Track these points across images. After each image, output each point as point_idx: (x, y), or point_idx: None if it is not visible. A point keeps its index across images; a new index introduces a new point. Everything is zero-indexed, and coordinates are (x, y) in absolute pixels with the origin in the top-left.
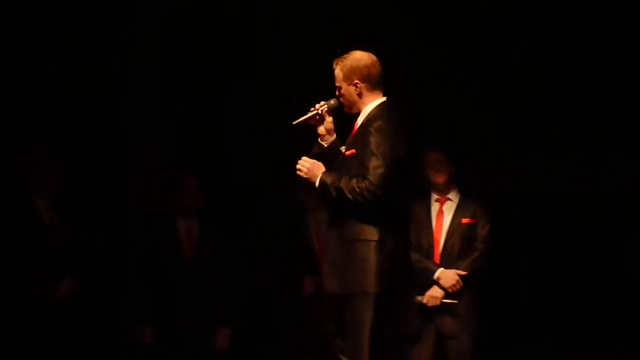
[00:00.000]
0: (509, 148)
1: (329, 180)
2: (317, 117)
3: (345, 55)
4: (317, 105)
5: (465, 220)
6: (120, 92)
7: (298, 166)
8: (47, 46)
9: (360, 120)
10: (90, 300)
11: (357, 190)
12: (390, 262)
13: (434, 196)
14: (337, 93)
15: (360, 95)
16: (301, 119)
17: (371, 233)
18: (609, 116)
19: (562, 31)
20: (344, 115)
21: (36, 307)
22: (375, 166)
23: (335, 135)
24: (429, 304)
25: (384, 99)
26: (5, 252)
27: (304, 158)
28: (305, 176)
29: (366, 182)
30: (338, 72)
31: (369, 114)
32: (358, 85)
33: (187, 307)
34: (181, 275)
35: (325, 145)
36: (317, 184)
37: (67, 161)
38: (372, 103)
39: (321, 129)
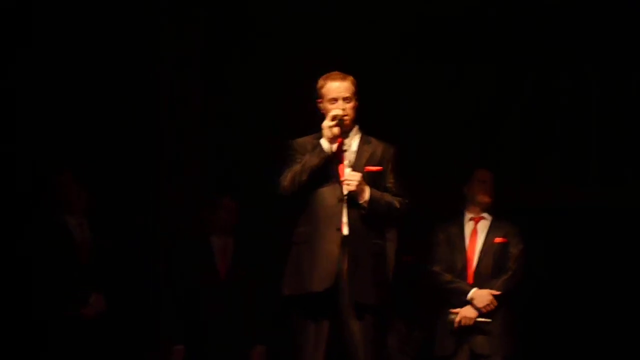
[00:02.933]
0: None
1: (378, 195)
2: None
3: (344, 74)
4: (337, 113)
5: (498, 240)
6: (154, 107)
7: (347, 180)
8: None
9: (351, 139)
10: (121, 318)
11: (404, 206)
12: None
13: (468, 215)
14: (340, 107)
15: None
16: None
17: (385, 247)
18: None
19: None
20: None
21: (65, 325)
22: (401, 181)
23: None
24: (463, 324)
25: None
26: (34, 269)
27: (352, 172)
28: (355, 189)
29: (403, 197)
30: (351, 84)
31: (361, 134)
32: (358, 102)
33: (220, 325)
34: (214, 293)
35: (333, 150)
36: (367, 196)
37: (100, 179)
38: (356, 126)
39: (332, 132)
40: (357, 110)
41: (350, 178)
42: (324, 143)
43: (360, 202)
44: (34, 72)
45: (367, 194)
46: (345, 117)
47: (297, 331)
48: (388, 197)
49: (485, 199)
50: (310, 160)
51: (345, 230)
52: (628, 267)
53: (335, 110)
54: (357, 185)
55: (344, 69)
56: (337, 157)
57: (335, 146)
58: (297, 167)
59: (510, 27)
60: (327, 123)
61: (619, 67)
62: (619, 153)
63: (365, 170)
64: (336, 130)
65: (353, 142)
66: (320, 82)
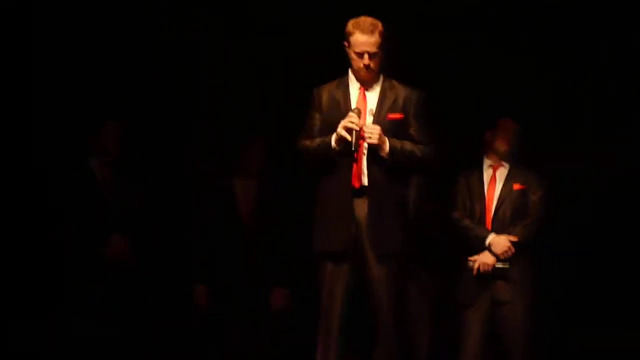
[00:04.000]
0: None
1: (398, 145)
2: (360, 133)
3: (374, 22)
4: (356, 120)
5: (517, 187)
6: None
7: (368, 133)
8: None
9: (374, 85)
10: (145, 260)
11: (428, 154)
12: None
13: (487, 162)
14: (364, 61)
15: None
16: (354, 142)
17: (409, 195)
18: None
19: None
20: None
21: (86, 265)
22: (429, 128)
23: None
24: (481, 270)
25: None
26: (55, 209)
27: (371, 125)
28: (377, 142)
29: (430, 146)
30: (378, 38)
31: (384, 79)
32: (385, 53)
33: (244, 268)
34: (237, 236)
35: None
36: (387, 149)
37: (129, 122)
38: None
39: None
40: (384, 59)
41: (370, 130)
42: (332, 140)
43: (381, 154)
44: None
45: (387, 146)
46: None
47: (320, 278)
48: (409, 146)
49: (503, 147)
50: (319, 149)
51: (365, 181)
52: None
53: (350, 120)
54: (378, 138)
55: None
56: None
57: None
58: (309, 144)
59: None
60: (340, 129)
61: None
62: None
63: (387, 118)
64: (349, 137)
65: (375, 88)
66: (349, 27)
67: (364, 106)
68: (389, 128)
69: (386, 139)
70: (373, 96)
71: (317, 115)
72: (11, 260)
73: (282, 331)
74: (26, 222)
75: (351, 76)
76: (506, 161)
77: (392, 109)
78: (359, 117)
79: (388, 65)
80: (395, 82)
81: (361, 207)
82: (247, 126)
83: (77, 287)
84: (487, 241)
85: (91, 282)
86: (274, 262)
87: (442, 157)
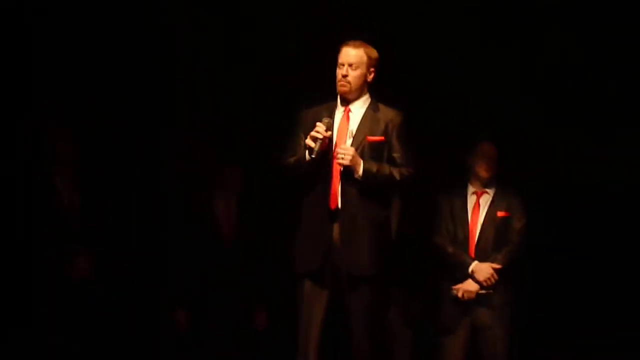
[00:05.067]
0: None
1: (374, 168)
2: (324, 139)
3: (363, 42)
4: (322, 130)
5: (500, 214)
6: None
7: (341, 154)
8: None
9: (358, 107)
10: (122, 281)
11: (407, 177)
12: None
13: (471, 188)
14: (344, 72)
15: (367, 84)
16: (317, 149)
17: (388, 217)
18: None
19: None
20: None
21: (52, 285)
22: (409, 150)
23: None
24: (465, 298)
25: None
26: (20, 228)
27: (345, 147)
28: (348, 163)
29: (407, 168)
30: (362, 54)
31: (371, 103)
32: (372, 74)
33: (223, 287)
34: (217, 256)
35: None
36: (360, 171)
37: (98, 133)
38: (367, 94)
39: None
40: (368, 81)
41: (343, 152)
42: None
43: (355, 176)
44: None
45: (360, 168)
46: (324, 138)
47: (299, 300)
48: (387, 169)
49: (486, 173)
50: (296, 164)
51: (339, 204)
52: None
53: (317, 130)
54: (350, 160)
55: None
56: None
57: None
58: (291, 161)
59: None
60: (308, 138)
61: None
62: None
63: (367, 141)
64: (313, 145)
65: (359, 111)
66: (342, 46)
67: (345, 127)
68: (367, 151)
69: (360, 161)
70: (356, 118)
71: (302, 135)
72: None
73: (263, 350)
74: None
75: (339, 100)
76: (490, 187)
77: (373, 132)
78: (329, 128)
79: (374, 89)
80: (381, 105)
81: (337, 228)
82: (227, 143)
83: (44, 304)
84: (470, 268)
85: (57, 299)
86: (255, 281)
87: (422, 180)
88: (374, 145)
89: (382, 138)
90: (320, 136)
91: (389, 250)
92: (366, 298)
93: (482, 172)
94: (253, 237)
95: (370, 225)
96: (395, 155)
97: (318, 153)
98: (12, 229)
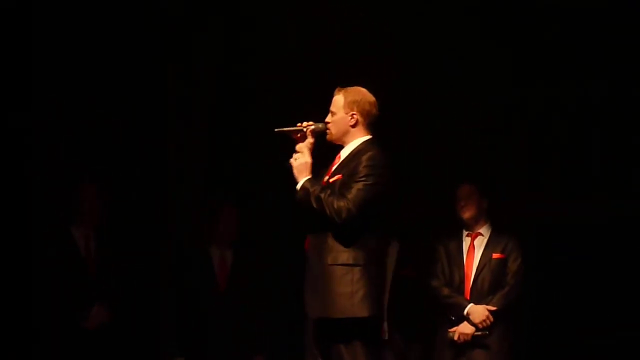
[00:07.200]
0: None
1: (311, 187)
2: (299, 134)
3: (350, 87)
4: (305, 123)
5: (496, 256)
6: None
7: (294, 156)
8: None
9: (345, 152)
10: (123, 330)
11: (335, 206)
12: (378, 288)
13: (465, 231)
14: (327, 119)
15: (353, 126)
16: (284, 129)
17: (358, 258)
18: None
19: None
20: (325, 143)
21: (66, 335)
22: (358, 188)
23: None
24: (461, 340)
25: (370, 136)
26: (37, 280)
27: (301, 148)
28: (293, 169)
29: (345, 200)
30: (340, 98)
31: (358, 147)
32: (355, 116)
33: (220, 335)
34: (214, 304)
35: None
36: (298, 185)
37: (107, 191)
38: (360, 138)
39: (300, 146)
40: (351, 125)
41: (295, 155)
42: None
43: (296, 187)
44: (44, 80)
45: (300, 182)
46: (309, 130)
47: None
48: (325, 195)
49: (463, 215)
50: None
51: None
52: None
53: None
54: (295, 166)
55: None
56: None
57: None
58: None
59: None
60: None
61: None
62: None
63: (329, 182)
64: (299, 146)
65: (345, 153)
66: None
67: (330, 168)
68: (331, 188)
69: (306, 174)
70: (340, 159)
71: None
72: None
73: None
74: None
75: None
76: (483, 228)
77: (337, 172)
78: (316, 130)
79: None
80: (368, 147)
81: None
82: (220, 194)
83: (55, 354)
84: (466, 311)
85: (69, 350)
86: (252, 328)
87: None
88: (332, 185)
89: (340, 176)
90: (302, 124)
91: (356, 291)
92: (337, 345)
93: (462, 213)
94: (249, 284)
95: (332, 264)
96: (340, 189)
97: (281, 132)
98: (27, 275)
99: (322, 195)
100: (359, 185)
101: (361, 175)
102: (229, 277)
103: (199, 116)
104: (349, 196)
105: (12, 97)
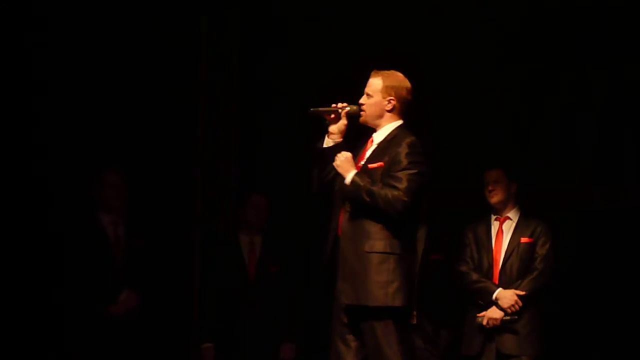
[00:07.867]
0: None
1: (362, 182)
2: (334, 114)
3: (387, 71)
4: (340, 104)
5: (524, 240)
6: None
7: (337, 156)
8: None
9: (379, 137)
10: (152, 316)
11: (391, 198)
12: (411, 277)
13: (494, 215)
14: (362, 101)
15: (389, 111)
16: (319, 109)
17: (394, 246)
18: None
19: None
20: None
21: (94, 322)
22: (409, 178)
23: (342, 139)
24: (490, 325)
25: (402, 121)
26: (66, 266)
27: (341, 153)
28: (337, 169)
29: (398, 192)
30: (378, 81)
31: (392, 132)
32: (392, 102)
33: (250, 323)
34: (243, 291)
35: (331, 144)
36: (347, 180)
37: (136, 178)
38: (393, 123)
39: (333, 128)
40: (387, 110)
41: (338, 159)
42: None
43: (345, 182)
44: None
45: (348, 177)
46: (344, 111)
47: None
48: (377, 189)
49: (491, 199)
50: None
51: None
52: None
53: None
54: (337, 165)
55: None
56: (334, 153)
57: (330, 141)
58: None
59: (544, 29)
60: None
61: None
62: None
63: (367, 168)
64: (332, 127)
65: (378, 138)
66: None
67: (364, 152)
68: (369, 176)
69: (352, 170)
70: (375, 144)
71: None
72: (20, 315)
73: None
74: (35, 275)
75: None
76: (512, 213)
77: (376, 158)
78: (351, 112)
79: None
80: (400, 132)
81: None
82: (248, 181)
83: (84, 341)
84: (494, 295)
85: (98, 337)
86: (281, 316)
87: (407, 211)
88: (373, 171)
89: (381, 164)
90: (336, 106)
91: (396, 278)
92: (372, 331)
93: (489, 198)
94: (278, 271)
95: (367, 252)
96: (388, 179)
97: (316, 112)
98: (58, 264)
99: (375, 188)
100: (409, 175)
101: (406, 163)
102: (258, 264)
103: (229, 100)
104: (401, 187)
105: (34, 79)
